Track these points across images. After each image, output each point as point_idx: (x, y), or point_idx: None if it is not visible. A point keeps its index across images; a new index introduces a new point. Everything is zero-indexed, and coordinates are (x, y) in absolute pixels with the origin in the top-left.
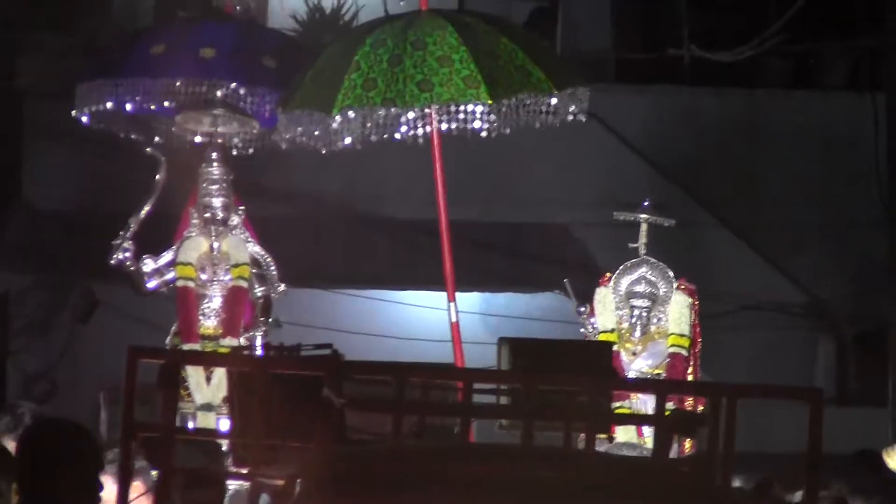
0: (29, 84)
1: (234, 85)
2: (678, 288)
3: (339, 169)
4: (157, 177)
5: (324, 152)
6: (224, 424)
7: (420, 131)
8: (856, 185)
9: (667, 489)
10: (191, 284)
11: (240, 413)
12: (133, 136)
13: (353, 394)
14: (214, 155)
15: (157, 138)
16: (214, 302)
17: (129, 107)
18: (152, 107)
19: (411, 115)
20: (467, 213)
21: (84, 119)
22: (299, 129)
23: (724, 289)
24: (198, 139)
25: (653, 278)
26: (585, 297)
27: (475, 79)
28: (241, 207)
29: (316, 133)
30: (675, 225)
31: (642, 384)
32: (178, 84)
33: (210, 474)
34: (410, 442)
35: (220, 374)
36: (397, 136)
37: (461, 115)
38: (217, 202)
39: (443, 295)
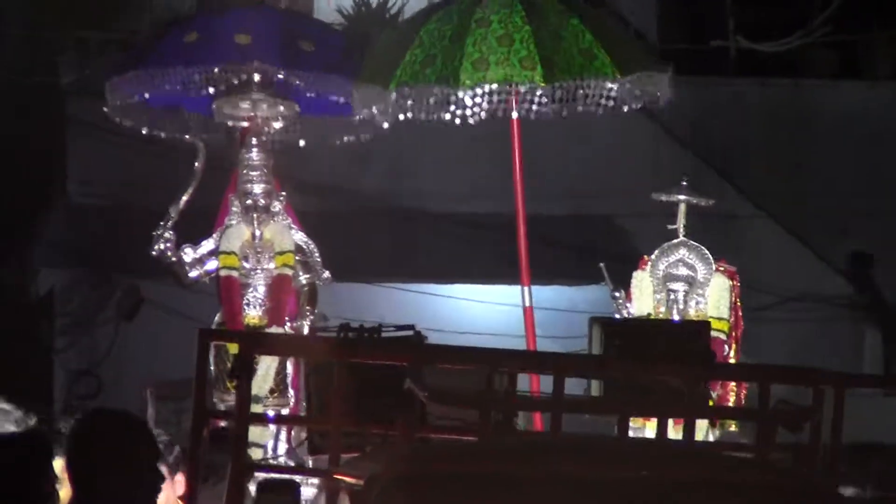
0: (71, 81)
1: (273, 69)
2: (717, 270)
3: (381, 163)
4: (196, 164)
5: (385, 126)
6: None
7: (482, 113)
8: None
9: (772, 488)
10: (234, 274)
11: (317, 399)
12: (163, 134)
13: (436, 382)
14: (254, 140)
15: (187, 136)
16: (259, 291)
17: (162, 99)
18: (188, 97)
19: (461, 94)
20: (513, 205)
21: (114, 116)
22: (375, 107)
23: (768, 280)
24: (237, 124)
25: (691, 261)
26: (624, 283)
27: (532, 60)
28: (283, 193)
29: (375, 110)
30: (712, 204)
31: (744, 372)
32: (216, 70)
33: (287, 473)
34: (497, 438)
35: (266, 363)
36: (447, 116)
37: (531, 99)
38: (258, 188)
39: (487, 288)
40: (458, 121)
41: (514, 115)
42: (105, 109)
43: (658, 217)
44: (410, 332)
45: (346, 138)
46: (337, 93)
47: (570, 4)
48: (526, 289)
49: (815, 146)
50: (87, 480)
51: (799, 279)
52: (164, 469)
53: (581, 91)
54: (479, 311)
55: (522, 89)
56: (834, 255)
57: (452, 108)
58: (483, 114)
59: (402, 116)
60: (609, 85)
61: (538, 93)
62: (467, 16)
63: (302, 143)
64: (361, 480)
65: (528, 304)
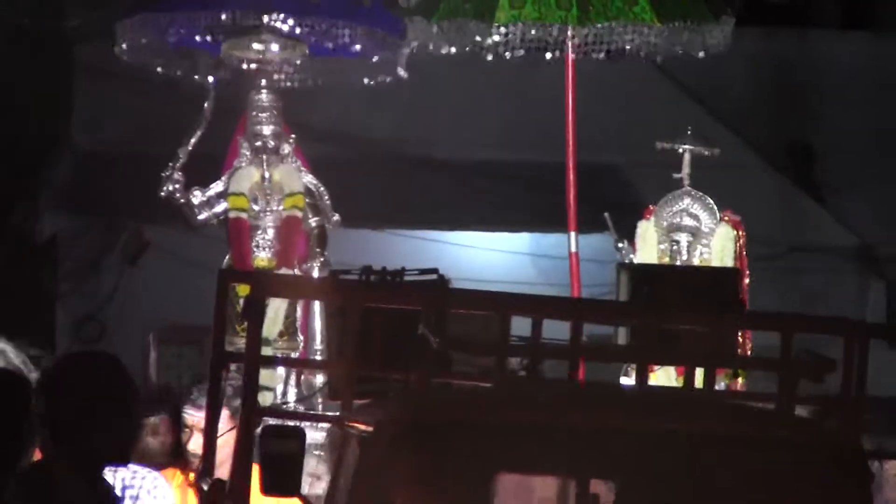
0: (77, 26)
1: (282, 15)
2: (722, 220)
3: (391, 109)
4: (206, 105)
5: (402, 72)
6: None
7: (516, 51)
8: None
9: (797, 441)
10: (244, 215)
11: (336, 342)
12: (178, 72)
13: (456, 329)
14: (263, 82)
15: (196, 76)
16: (268, 233)
17: (172, 40)
18: (197, 40)
19: (503, 31)
20: (518, 153)
21: (124, 56)
22: (417, 39)
23: (774, 232)
24: (246, 65)
25: (695, 210)
26: (628, 233)
27: (568, 0)
28: (292, 136)
29: (416, 42)
30: (717, 154)
31: (769, 320)
32: (223, 17)
33: (295, 419)
34: (512, 385)
35: (275, 306)
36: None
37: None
38: (267, 130)
39: (496, 235)
40: (489, 56)
41: (570, 55)
42: (115, 49)
43: (662, 167)
44: (434, 276)
45: (365, 80)
46: (348, 41)
47: None
48: (572, 234)
49: (822, 97)
50: (57, 427)
51: (805, 231)
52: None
53: (616, 36)
54: (484, 258)
55: (555, 31)
56: (840, 208)
57: (491, 41)
58: (521, 50)
59: (444, 50)
60: (646, 31)
61: (585, 34)
62: None
63: (318, 82)
64: (371, 427)
65: (573, 249)
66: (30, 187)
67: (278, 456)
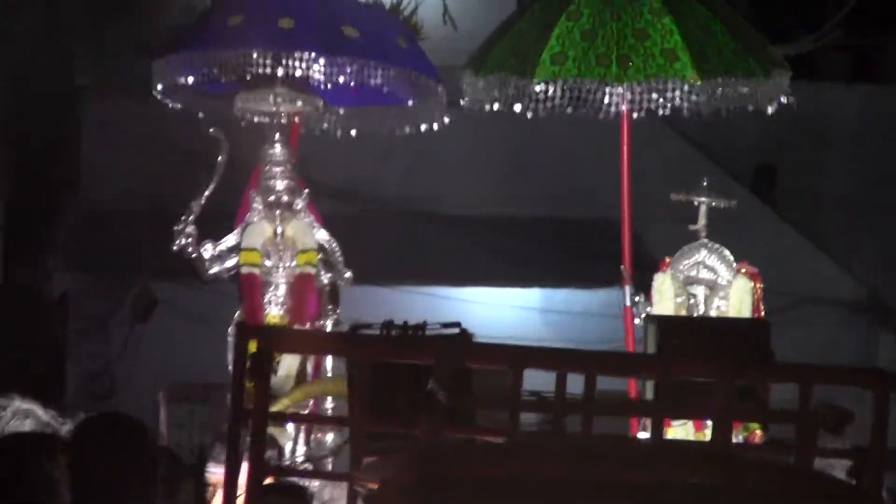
0: (87, 82)
1: (313, 55)
2: (739, 272)
3: (398, 166)
4: (220, 158)
5: (446, 119)
6: (290, 429)
7: (611, 108)
8: None
9: (816, 496)
10: (256, 271)
11: (351, 399)
12: (201, 115)
13: (482, 384)
14: (277, 136)
15: (233, 113)
16: (280, 289)
17: (206, 82)
18: (231, 79)
19: (535, 87)
20: (527, 208)
21: (161, 96)
22: (494, 92)
23: (783, 284)
24: (259, 119)
25: (711, 263)
26: (638, 286)
27: (608, 57)
28: (306, 190)
29: (467, 97)
30: (733, 206)
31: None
32: (254, 56)
33: (304, 477)
34: (520, 440)
35: (287, 363)
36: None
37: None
38: (281, 185)
39: (502, 291)
40: (529, 114)
41: (623, 107)
42: (155, 91)
43: (669, 221)
44: (456, 330)
45: (406, 129)
46: (380, 81)
47: (670, 3)
48: (627, 289)
49: (829, 149)
50: (82, 485)
51: (814, 283)
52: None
53: (654, 94)
54: (494, 314)
55: (593, 87)
56: (848, 260)
57: (532, 97)
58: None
59: (487, 107)
60: (753, 88)
61: (687, 87)
62: (559, 8)
63: (355, 132)
64: (376, 485)
65: (628, 304)
66: (39, 244)
67: None
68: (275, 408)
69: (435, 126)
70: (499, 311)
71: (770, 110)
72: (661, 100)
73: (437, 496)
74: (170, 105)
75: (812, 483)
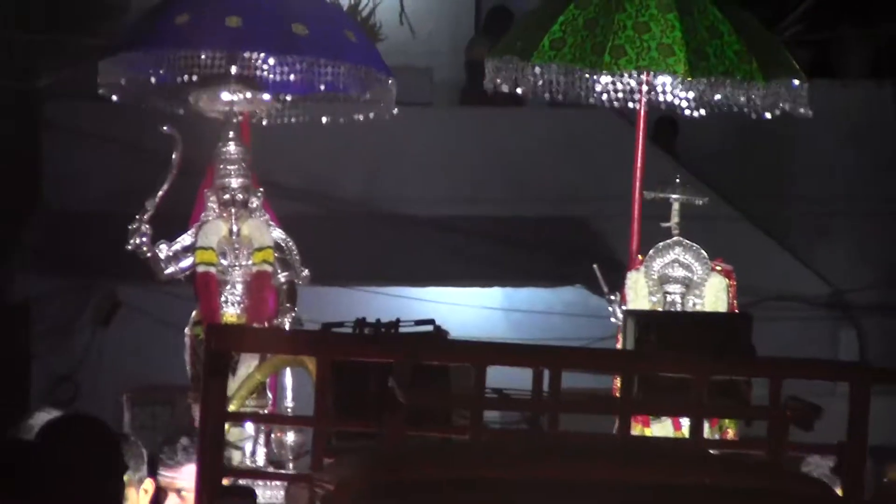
0: (48, 86)
1: (262, 55)
2: (714, 269)
3: (359, 167)
4: (174, 156)
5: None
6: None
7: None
8: (879, 175)
9: (790, 493)
10: (212, 270)
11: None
12: (155, 108)
13: (462, 383)
14: (231, 133)
15: (186, 111)
16: (237, 288)
17: (152, 80)
18: (177, 79)
19: (599, 77)
20: (488, 208)
21: (111, 95)
22: (500, 76)
23: (745, 281)
24: (213, 115)
25: (686, 260)
26: (615, 285)
27: (670, 49)
28: (261, 189)
29: (505, 82)
30: (706, 203)
31: (761, 365)
32: (202, 56)
33: (262, 479)
34: (483, 439)
35: (247, 364)
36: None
37: (662, 90)
38: (235, 183)
39: (465, 290)
40: (591, 99)
41: (641, 99)
42: (99, 91)
43: (629, 219)
44: (430, 328)
45: (357, 117)
46: (330, 79)
47: (717, 3)
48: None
49: (790, 146)
50: (43, 491)
51: (777, 280)
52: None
53: (719, 93)
54: (456, 313)
55: (659, 80)
56: (810, 256)
57: (594, 90)
58: (615, 99)
59: (546, 92)
60: (752, 92)
61: (672, 83)
62: (608, 1)
63: (304, 120)
64: (331, 486)
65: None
66: (2, 248)
67: None
68: (232, 404)
69: (387, 117)
70: (462, 310)
71: (767, 115)
72: (661, 95)
73: (392, 498)
74: (114, 101)
75: (784, 480)
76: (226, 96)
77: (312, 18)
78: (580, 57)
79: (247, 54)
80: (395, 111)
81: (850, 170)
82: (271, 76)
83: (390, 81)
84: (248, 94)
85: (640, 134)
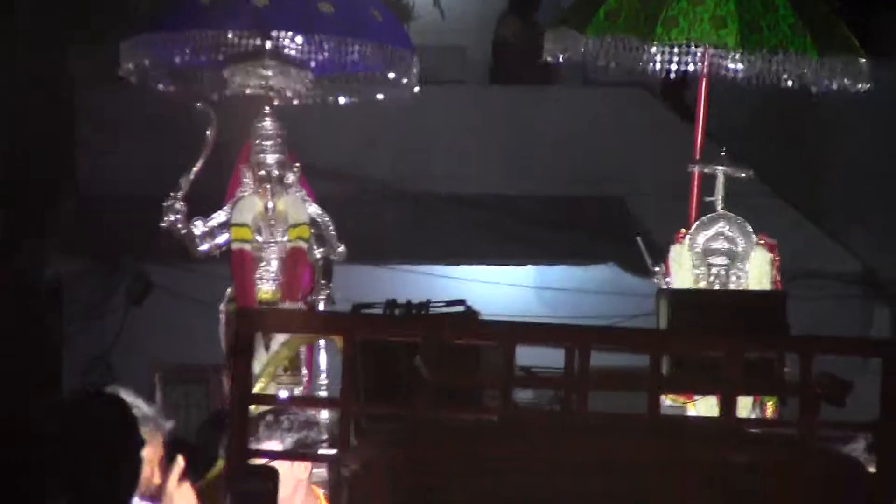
0: (79, 70)
1: (290, 33)
2: (758, 243)
3: (389, 146)
4: (208, 133)
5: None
6: (284, 395)
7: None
8: None
9: (819, 472)
10: (247, 247)
11: (363, 381)
12: (176, 90)
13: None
14: (267, 109)
15: (200, 94)
16: (272, 265)
17: (177, 60)
18: (202, 59)
19: (653, 49)
20: (520, 186)
21: (131, 77)
22: (567, 50)
23: (782, 259)
24: (249, 92)
25: (731, 234)
26: (631, 263)
27: (723, 20)
28: (297, 165)
29: (565, 53)
30: (752, 177)
31: (791, 342)
32: (229, 36)
33: (288, 459)
34: (515, 419)
35: (279, 340)
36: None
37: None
38: (271, 159)
39: (496, 269)
40: (651, 66)
41: (703, 68)
42: (119, 72)
43: (673, 200)
44: (461, 308)
45: (379, 96)
46: (357, 57)
47: None
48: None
49: (828, 124)
50: (58, 473)
51: (810, 258)
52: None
53: (775, 66)
54: (488, 291)
55: (711, 51)
56: (846, 234)
57: (641, 61)
58: (673, 67)
59: (602, 62)
60: (804, 66)
61: (732, 56)
62: None
63: (328, 100)
64: (359, 467)
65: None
66: (34, 231)
67: (249, 496)
68: (261, 381)
69: (409, 95)
70: (493, 289)
71: (814, 90)
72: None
73: (420, 476)
74: (134, 83)
75: (814, 457)
76: (263, 72)
77: None
78: (633, 27)
79: (274, 33)
80: (417, 90)
81: (883, 148)
82: (300, 55)
83: (415, 59)
84: (286, 68)
85: (702, 102)
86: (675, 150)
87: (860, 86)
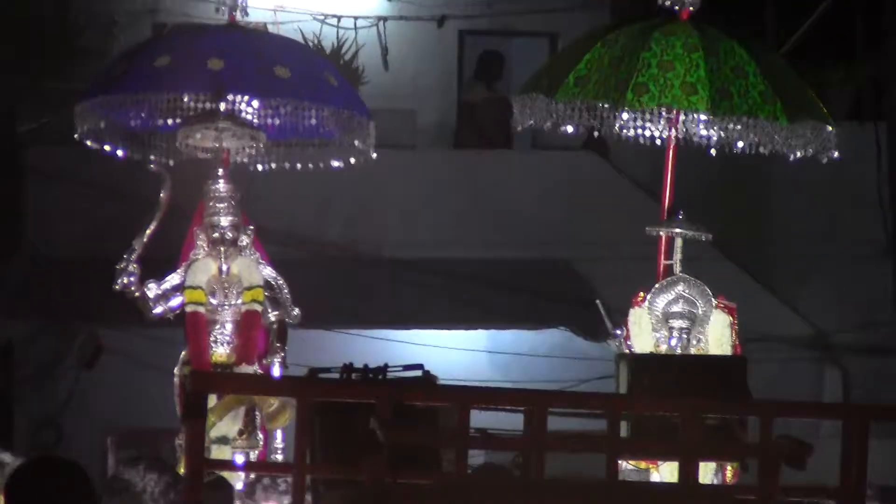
0: (30, 131)
1: (246, 97)
2: (717, 306)
3: (341, 210)
4: (162, 195)
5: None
6: (240, 459)
7: (647, 132)
8: (861, 217)
9: None
10: (201, 309)
11: (321, 445)
12: (131, 154)
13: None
14: (220, 171)
15: (153, 157)
16: (226, 327)
17: (132, 123)
18: (158, 123)
19: (624, 114)
20: (472, 250)
21: (85, 140)
22: (533, 116)
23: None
24: (202, 155)
25: (691, 296)
26: (586, 327)
27: (694, 87)
28: (251, 227)
29: (532, 119)
30: (710, 239)
31: (751, 405)
32: (185, 99)
33: None
34: (470, 479)
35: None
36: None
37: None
38: (225, 221)
39: (449, 333)
40: (623, 132)
41: (670, 133)
42: (76, 136)
43: (621, 262)
44: (419, 372)
45: (334, 163)
46: (314, 122)
47: (746, 45)
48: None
49: (772, 189)
50: None
51: (760, 321)
52: None
53: (746, 131)
54: (441, 356)
55: (682, 117)
56: (793, 297)
57: (617, 126)
58: (647, 133)
59: (572, 128)
60: (776, 132)
61: (700, 120)
62: (634, 40)
63: (283, 166)
64: None
65: (613, 332)
66: None
67: None
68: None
69: (367, 161)
70: (446, 353)
71: (792, 157)
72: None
73: None
74: (90, 146)
75: None
76: (216, 132)
77: (293, 61)
78: (603, 94)
79: (230, 96)
80: (375, 156)
81: (832, 211)
82: (256, 119)
83: (371, 125)
84: (239, 129)
85: (670, 166)
86: (624, 213)
87: (829, 153)
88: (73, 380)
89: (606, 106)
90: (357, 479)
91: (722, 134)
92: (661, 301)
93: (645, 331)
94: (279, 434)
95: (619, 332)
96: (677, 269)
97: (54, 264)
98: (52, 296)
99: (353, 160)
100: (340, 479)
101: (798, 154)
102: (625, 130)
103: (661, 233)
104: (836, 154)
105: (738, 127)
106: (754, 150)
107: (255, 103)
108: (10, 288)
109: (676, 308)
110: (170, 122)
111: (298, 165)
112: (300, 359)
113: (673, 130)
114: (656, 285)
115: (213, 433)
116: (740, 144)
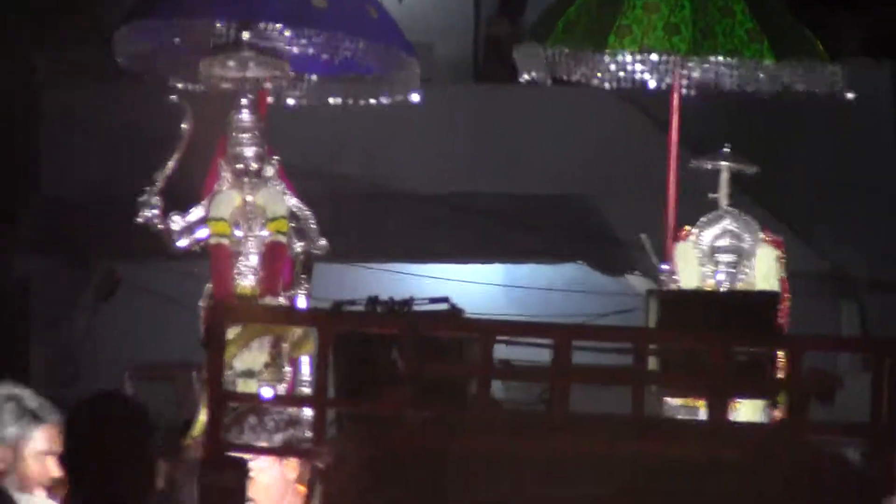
0: (44, 73)
1: (278, 25)
2: (764, 240)
3: (359, 144)
4: (183, 126)
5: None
6: (266, 392)
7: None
8: (873, 152)
9: (804, 466)
10: (225, 241)
11: (343, 378)
12: (173, 80)
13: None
14: (244, 101)
15: (179, 86)
16: (251, 259)
17: (176, 42)
18: (194, 47)
19: (607, 59)
20: (490, 185)
21: (123, 65)
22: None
23: None
24: (226, 85)
25: (737, 230)
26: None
27: (677, 28)
28: (276, 157)
29: (534, 72)
30: (755, 172)
31: (780, 340)
32: (217, 25)
33: (262, 454)
34: (492, 413)
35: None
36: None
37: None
38: (249, 152)
39: (468, 267)
40: (607, 85)
41: (675, 80)
42: (117, 60)
43: (639, 199)
44: (445, 305)
45: (383, 100)
46: (349, 55)
47: None
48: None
49: (785, 122)
50: (75, 471)
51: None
52: None
53: (734, 70)
54: (457, 289)
55: (662, 58)
56: (809, 232)
57: (602, 71)
58: (642, 77)
59: (563, 75)
60: (760, 71)
61: (684, 62)
62: None
63: (327, 102)
64: (332, 463)
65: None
66: (1, 231)
67: (216, 490)
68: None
69: (413, 98)
70: (463, 287)
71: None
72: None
73: (391, 472)
74: (125, 69)
75: (802, 454)
76: (238, 63)
77: None
78: (588, 38)
79: (262, 25)
80: (417, 97)
81: (849, 148)
82: (287, 49)
83: (414, 62)
84: (262, 60)
85: (674, 106)
86: (644, 152)
87: (838, 92)
88: (90, 315)
89: (589, 51)
90: (379, 413)
91: (703, 73)
92: (708, 235)
93: (691, 265)
94: (306, 367)
95: (665, 266)
96: (724, 202)
97: (70, 203)
98: (70, 234)
99: (394, 97)
100: (365, 413)
101: (807, 89)
102: (606, 77)
103: (707, 166)
104: (849, 95)
105: (722, 67)
106: (741, 89)
107: (287, 32)
108: (28, 227)
109: (723, 242)
110: (203, 47)
111: (330, 100)
112: (321, 293)
113: (676, 81)
114: (702, 219)
115: (239, 366)
116: (727, 83)
